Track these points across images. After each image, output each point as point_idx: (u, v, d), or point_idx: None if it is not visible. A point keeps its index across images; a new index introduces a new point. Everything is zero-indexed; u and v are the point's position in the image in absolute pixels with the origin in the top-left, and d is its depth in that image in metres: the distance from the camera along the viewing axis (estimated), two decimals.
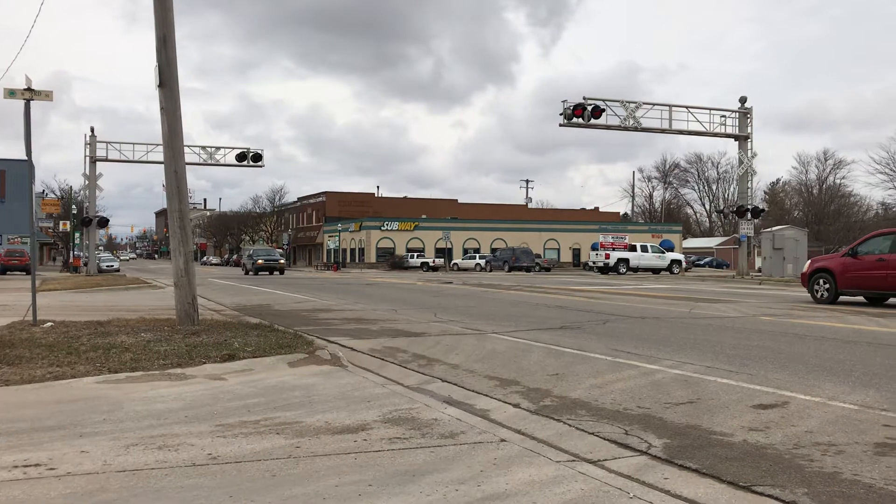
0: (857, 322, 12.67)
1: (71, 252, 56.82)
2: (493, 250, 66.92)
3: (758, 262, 47.51)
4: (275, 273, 46.50)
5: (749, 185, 40.52)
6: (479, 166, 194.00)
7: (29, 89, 11.36)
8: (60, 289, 23.26)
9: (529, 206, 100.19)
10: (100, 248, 66.46)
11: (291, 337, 9.54)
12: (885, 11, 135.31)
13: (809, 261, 18.97)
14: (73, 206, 58.17)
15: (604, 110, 35.79)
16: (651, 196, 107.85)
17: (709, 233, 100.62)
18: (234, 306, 16.69)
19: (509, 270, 54.65)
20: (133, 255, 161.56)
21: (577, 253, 75.24)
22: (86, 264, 44.07)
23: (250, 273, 46.59)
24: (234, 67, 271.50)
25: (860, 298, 17.70)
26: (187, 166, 11.20)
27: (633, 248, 47.79)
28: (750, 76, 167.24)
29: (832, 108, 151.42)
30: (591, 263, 49.53)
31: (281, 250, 62.14)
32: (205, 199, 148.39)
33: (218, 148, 46.92)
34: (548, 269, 58.71)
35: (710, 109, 39.25)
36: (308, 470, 4.01)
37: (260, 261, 46.47)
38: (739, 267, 40.39)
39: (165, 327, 10.36)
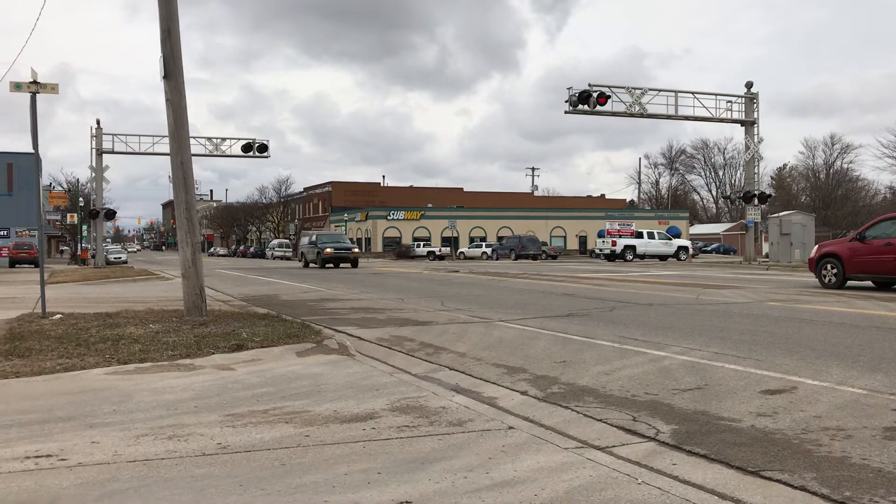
0: (865, 307, 12.62)
1: (79, 244, 57.03)
2: (500, 238, 66.91)
3: (765, 248, 47.35)
4: (341, 265, 36.20)
5: (756, 170, 40.31)
6: (484, 154, 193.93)
7: (35, 82, 11.37)
8: (69, 281, 23.36)
9: (535, 193, 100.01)
10: (107, 240, 66.76)
11: (299, 326, 9.56)
12: None
13: (817, 246, 18.89)
14: (81, 199, 58.35)
15: (609, 97, 35.64)
16: (657, 182, 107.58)
17: (716, 219, 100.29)
18: (242, 297, 16.73)
19: (516, 258, 54.62)
20: (138, 247, 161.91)
21: (583, 240, 75.13)
22: (93, 256, 44.23)
23: (312, 265, 37.12)
24: (238, 57, 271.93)
25: (868, 283, 17.63)
26: (193, 157, 11.22)
27: (639, 235, 47.63)
28: (756, 61, 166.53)
29: (839, 93, 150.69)
30: (597, 251, 49.44)
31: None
32: (211, 191, 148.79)
33: (224, 139, 46.94)
34: (554, 257, 58.65)
35: (716, 95, 39.04)
36: (317, 458, 4.03)
37: (329, 249, 35.76)
38: (746, 253, 40.27)
39: (174, 318, 10.40)
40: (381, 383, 6.15)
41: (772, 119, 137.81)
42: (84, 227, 54.11)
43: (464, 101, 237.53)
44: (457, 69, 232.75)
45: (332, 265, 36.12)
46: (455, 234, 64.38)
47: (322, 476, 3.72)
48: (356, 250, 37.46)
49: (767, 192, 42.09)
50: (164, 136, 39.97)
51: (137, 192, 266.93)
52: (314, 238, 38.64)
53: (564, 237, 75.78)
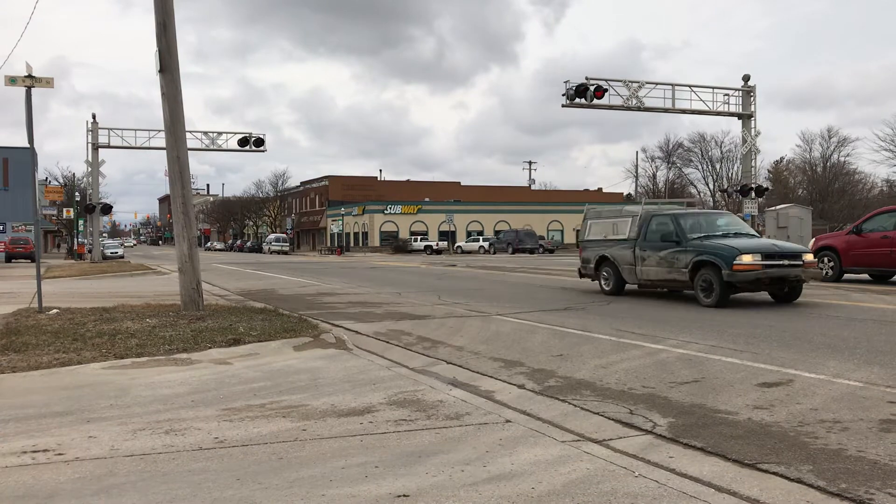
0: (861, 299, 12.65)
1: (75, 239, 56.92)
2: (497, 232, 66.87)
3: None
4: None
5: (753, 163, 40.29)
6: (481, 148, 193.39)
7: (30, 76, 11.33)
8: (65, 276, 23.32)
9: (532, 187, 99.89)
10: (104, 234, 66.62)
11: (296, 321, 9.56)
12: None
13: (814, 239, 18.91)
14: (77, 193, 58.26)
15: (606, 90, 35.54)
16: (654, 176, 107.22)
17: None
18: (239, 291, 16.72)
19: (513, 252, 54.62)
20: (135, 242, 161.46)
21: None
22: (90, 251, 44.18)
23: (659, 290, 14.39)
24: (233, 51, 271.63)
25: (865, 276, 17.66)
26: (189, 152, 11.18)
27: None
28: (754, 54, 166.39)
29: (836, 85, 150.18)
30: None
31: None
32: (208, 185, 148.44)
33: (220, 133, 46.75)
34: (551, 251, 58.64)
35: (714, 88, 38.97)
36: (314, 452, 4.03)
37: (748, 257, 11.44)
38: None
39: (170, 313, 10.39)
40: (379, 377, 6.16)
41: (769, 112, 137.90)
42: (80, 222, 54.02)
43: (461, 95, 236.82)
44: (454, 62, 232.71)
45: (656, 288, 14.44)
46: (452, 229, 64.30)
47: (319, 470, 3.72)
48: (809, 257, 12.60)
49: (764, 186, 42.17)
50: (160, 131, 39.80)
51: (134, 186, 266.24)
52: (672, 225, 13.39)
53: (562, 231, 75.76)
